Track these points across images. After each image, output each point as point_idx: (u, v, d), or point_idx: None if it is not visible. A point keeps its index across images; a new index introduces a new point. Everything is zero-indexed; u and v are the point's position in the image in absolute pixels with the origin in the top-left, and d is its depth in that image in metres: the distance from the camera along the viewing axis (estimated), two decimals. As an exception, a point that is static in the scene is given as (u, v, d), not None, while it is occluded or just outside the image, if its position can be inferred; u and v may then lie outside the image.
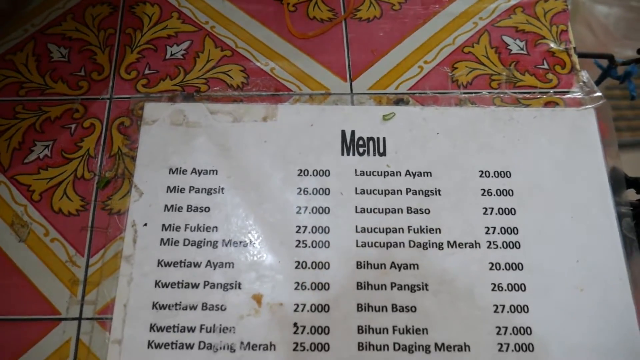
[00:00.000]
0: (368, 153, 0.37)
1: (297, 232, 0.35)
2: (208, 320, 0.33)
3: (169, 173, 0.36)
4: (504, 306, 0.33)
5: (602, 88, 0.52)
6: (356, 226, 0.35)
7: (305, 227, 0.35)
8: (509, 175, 0.37)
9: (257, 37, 0.41)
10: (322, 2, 0.43)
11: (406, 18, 0.42)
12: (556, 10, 0.43)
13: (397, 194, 0.36)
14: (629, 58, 0.50)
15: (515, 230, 0.35)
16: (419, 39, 0.42)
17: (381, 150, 0.37)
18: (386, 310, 0.33)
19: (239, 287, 0.33)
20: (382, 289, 0.33)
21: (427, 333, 0.33)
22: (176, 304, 0.33)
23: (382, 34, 0.42)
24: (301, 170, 0.37)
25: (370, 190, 0.36)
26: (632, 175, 0.40)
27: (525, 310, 0.33)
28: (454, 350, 0.32)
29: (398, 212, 0.35)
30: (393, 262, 0.34)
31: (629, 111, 1.29)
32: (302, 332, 0.32)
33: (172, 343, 0.32)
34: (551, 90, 0.40)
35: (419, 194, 0.36)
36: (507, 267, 0.34)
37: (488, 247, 0.35)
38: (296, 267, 0.34)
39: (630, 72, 0.44)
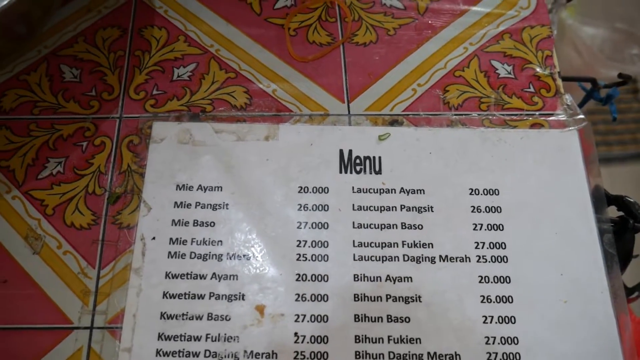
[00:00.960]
0: (364, 171, 0.39)
1: (297, 246, 0.37)
2: (213, 330, 0.34)
3: (176, 189, 0.38)
4: (492, 317, 0.35)
5: (591, 104, 0.55)
6: (353, 241, 0.37)
7: (305, 241, 0.37)
8: (497, 193, 0.39)
9: (260, 60, 0.44)
10: (321, 27, 0.45)
11: (400, 43, 0.45)
12: (542, 36, 0.46)
13: (392, 210, 0.38)
14: (614, 78, 0.53)
15: (503, 245, 0.37)
16: (413, 63, 0.44)
17: (377, 168, 0.39)
18: (382, 320, 0.35)
19: (243, 299, 0.35)
20: (378, 300, 0.35)
21: (420, 342, 0.35)
22: (183, 314, 0.35)
23: (378, 58, 0.44)
24: (301, 188, 0.39)
25: (367, 206, 0.38)
26: (621, 191, 0.43)
27: (513, 321, 0.35)
28: (446, 359, 0.34)
29: (393, 228, 0.38)
30: (388, 275, 0.36)
31: (619, 125, 1.32)
32: (302, 342, 0.34)
33: (179, 351, 0.34)
34: (537, 113, 0.42)
35: (413, 210, 0.38)
36: (496, 280, 0.36)
37: (477, 261, 0.37)
38: (297, 280, 0.36)
39: (611, 95, 0.46)
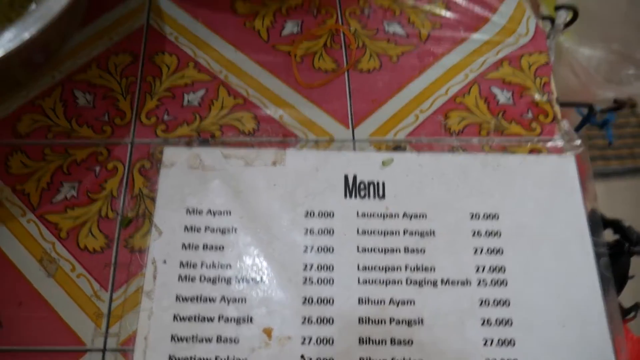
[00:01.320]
0: (369, 196, 0.41)
1: (304, 270, 0.38)
2: (222, 353, 0.35)
3: (186, 213, 0.39)
4: (492, 340, 0.37)
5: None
6: (358, 265, 0.38)
7: (312, 265, 0.38)
8: (497, 217, 0.40)
9: (267, 86, 0.45)
10: (327, 54, 0.47)
11: (403, 70, 0.46)
12: (539, 63, 0.47)
13: (396, 234, 0.39)
14: (610, 100, 0.54)
15: (502, 269, 0.39)
16: (415, 89, 0.45)
17: (381, 193, 0.41)
18: (385, 343, 0.36)
19: (251, 321, 0.36)
20: (381, 323, 0.37)
21: (422, 364, 0.36)
22: (193, 337, 0.36)
23: (382, 84, 0.45)
24: (308, 212, 0.40)
25: (371, 231, 0.39)
26: (619, 205, 0.44)
27: (512, 343, 0.37)
28: (447, 380, 0.35)
29: (396, 252, 0.39)
30: (392, 299, 0.37)
31: (617, 140, 1.34)
32: (308, 363, 0.36)
33: (189, 373, 0.35)
34: (535, 138, 0.44)
35: (415, 234, 0.39)
36: (496, 303, 0.38)
37: (478, 285, 0.38)
38: (303, 303, 0.37)
39: (607, 120, 0.48)
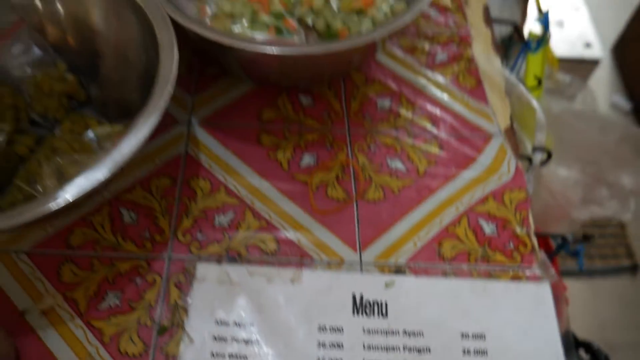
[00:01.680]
0: (373, 314, 0.47)
1: (316, 380, 0.43)
2: None
3: (215, 324, 0.45)
4: None
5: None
6: (363, 377, 0.44)
7: (323, 376, 0.44)
8: (483, 337, 0.46)
9: (287, 211, 0.53)
10: (338, 185, 0.55)
11: (404, 201, 0.54)
12: (519, 199, 0.55)
13: (397, 350, 0.45)
14: (585, 221, 0.62)
15: (489, 385, 0.44)
16: (414, 219, 0.53)
17: (384, 312, 0.47)
18: None
19: None
20: None
21: None
22: None
23: (385, 213, 0.53)
24: (320, 327, 0.46)
25: (375, 346, 0.45)
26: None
27: None
28: None
29: (397, 366, 0.45)
30: (392, 410, 0.43)
31: (600, 240, 1.42)
32: None
33: None
34: (516, 266, 0.51)
35: (413, 351, 0.45)
36: (483, 417, 0.43)
37: (468, 400, 0.44)
38: (316, 412, 0.42)
39: (578, 251, 0.55)
